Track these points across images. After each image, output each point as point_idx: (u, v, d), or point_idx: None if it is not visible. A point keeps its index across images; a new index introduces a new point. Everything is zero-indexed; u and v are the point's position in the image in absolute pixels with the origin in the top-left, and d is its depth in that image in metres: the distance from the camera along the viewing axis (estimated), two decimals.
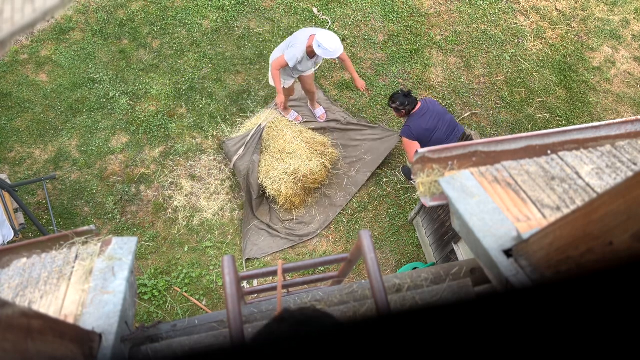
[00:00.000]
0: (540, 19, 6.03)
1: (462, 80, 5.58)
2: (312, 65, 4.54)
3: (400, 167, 5.07)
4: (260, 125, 4.62)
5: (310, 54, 4.27)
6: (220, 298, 4.42)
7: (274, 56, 4.46)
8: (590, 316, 0.77)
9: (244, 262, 4.62)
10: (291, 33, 5.69)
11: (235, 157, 4.67)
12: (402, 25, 5.86)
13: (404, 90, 4.23)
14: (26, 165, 4.90)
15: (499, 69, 5.68)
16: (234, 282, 1.51)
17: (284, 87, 4.61)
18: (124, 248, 1.85)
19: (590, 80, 5.67)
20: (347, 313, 1.85)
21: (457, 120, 5.39)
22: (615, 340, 0.75)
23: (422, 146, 4.08)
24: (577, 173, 1.96)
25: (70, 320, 1.61)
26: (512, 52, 5.76)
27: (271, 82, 4.62)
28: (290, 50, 4.23)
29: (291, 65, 4.25)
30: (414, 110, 4.20)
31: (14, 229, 3.91)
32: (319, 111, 5.20)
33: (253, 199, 4.69)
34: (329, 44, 4.10)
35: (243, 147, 4.62)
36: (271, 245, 4.68)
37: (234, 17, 5.79)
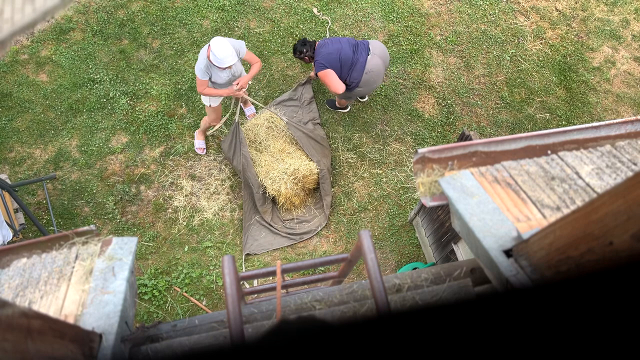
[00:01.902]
0: (540, 19, 6.03)
1: (462, 80, 5.58)
2: (228, 75, 4.25)
3: (325, 100, 5.36)
4: (235, 120, 4.59)
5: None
6: (220, 298, 4.42)
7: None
8: (590, 316, 0.78)
9: (243, 257, 4.62)
10: (291, 33, 5.71)
11: (230, 156, 4.71)
12: (402, 25, 5.86)
13: (300, 40, 4.61)
14: (26, 165, 4.90)
15: (499, 69, 5.68)
16: (234, 282, 1.51)
17: (210, 105, 4.52)
18: (124, 248, 1.85)
19: (590, 80, 5.67)
20: (347, 313, 1.85)
21: (457, 121, 5.40)
22: (616, 340, 0.75)
23: (337, 72, 4.42)
24: (577, 173, 1.96)
25: (71, 320, 1.61)
26: (512, 52, 5.76)
27: (205, 102, 4.55)
28: (196, 65, 4.12)
29: (200, 77, 4.10)
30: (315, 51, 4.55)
31: (13, 229, 3.91)
32: (249, 110, 5.26)
33: (254, 192, 4.66)
34: (218, 52, 3.89)
35: (233, 145, 4.65)
36: (271, 242, 4.67)
37: (234, 17, 5.79)
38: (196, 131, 5.05)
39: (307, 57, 4.61)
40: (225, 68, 4.01)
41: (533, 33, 5.92)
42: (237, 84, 4.26)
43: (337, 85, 4.44)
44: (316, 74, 4.57)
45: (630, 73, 5.76)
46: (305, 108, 5.21)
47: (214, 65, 4.00)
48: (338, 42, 4.47)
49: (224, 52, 3.91)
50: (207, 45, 4.07)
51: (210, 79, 4.20)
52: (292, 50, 4.73)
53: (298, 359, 0.75)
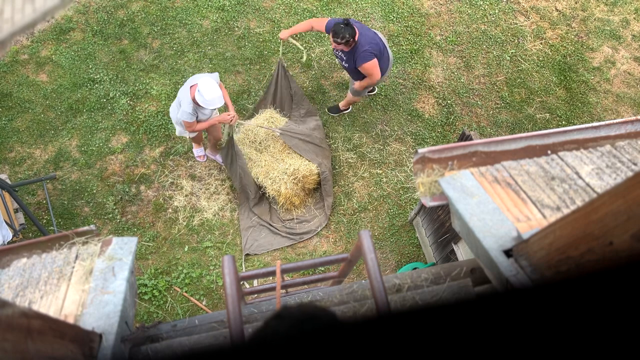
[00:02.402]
0: (540, 19, 6.03)
1: (462, 80, 5.58)
2: (210, 112, 4.24)
3: (327, 108, 5.26)
4: (230, 134, 4.54)
5: (196, 102, 4.01)
6: (220, 298, 4.42)
7: (173, 112, 4.29)
8: (590, 316, 0.77)
9: (243, 257, 4.62)
10: None
11: (227, 165, 4.71)
12: (402, 25, 5.86)
13: (341, 20, 4.00)
14: (26, 165, 4.90)
15: (499, 69, 5.68)
16: (234, 282, 1.51)
17: (193, 136, 4.53)
18: (124, 248, 1.85)
19: (590, 80, 5.67)
20: (347, 313, 1.85)
21: (457, 121, 5.40)
22: (616, 340, 0.75)
23: (379, 61, 4.17)
24: (577, 173, 1.96)
25: (70, 320, 1.61)
26: (512, 52, 5.76)
27: (190, 135, 4.48)
28: (181, 111, 4.02)
29: (190, 120, 4.04)
30: (357, 34, 4.07)
31: (13, 229, 3.91)
32: (219, 158, 4.96)
33: (250, 198, 4.68)
34: (208, 94, 3.84)
35: (229, 157, 4.63)
36: (272, 242, 4.67)
37: (234, 17, 5.79)
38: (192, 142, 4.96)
39: (352, 40, 4.01)
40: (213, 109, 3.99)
41: (533, 33, 5.92)
42: (230, 115, 4.20)
43: (379, 75, 4.22)
44: (357, 66, 4.16)
45: (630, 73, 5.76)
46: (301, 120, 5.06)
47: (201, 106, 3.96)
48: (366, 28, 4.13)
49: (213, 93, 3.85)
50: (188, 86, 3.97)
51: (199, 119, 4.15)
52: (335, 36, 3.96)
53: (299, 345, 0.75)
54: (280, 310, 0.91)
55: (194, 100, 3.96)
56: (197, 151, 5.01)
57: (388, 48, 4.36)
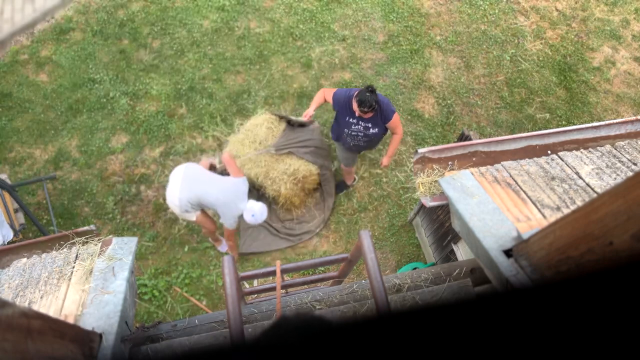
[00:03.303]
0: (540, 19, 6.03)
1: (462, 80, 5.58)
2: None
3: (336, 187, 4.91)
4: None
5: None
6: (220, 298, 4.42)
7: (183, 209, 3.98)
8: (590, 316, 0.77)
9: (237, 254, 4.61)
10: (291, 33, 5.70)
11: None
12: (402, 25, 5.86)
13: (368, 88, 3.70)
14: (26, 165, 4.90)
15: (499, 69, 5.68)
16: (234, 282, 1.51)
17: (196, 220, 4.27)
18: (124, 248, 1.85)
19: (590, 80, 5.67)
20: (347, 313, 1.85)
21: (457, 121, 5.40)
22: (616, 340, 0.75)
23: None
24: (577, 173, 1.96)
25: (71, 320, 1.61)
26: (512, 52, 5.76)
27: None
28: (235, 219, 3.97)
29: (235, 221, 4.02)
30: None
31: (13, 229, 3.91)
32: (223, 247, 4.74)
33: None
34: (260, 217, 3.96)
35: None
36: (270, 243, 4.67)
37: (234, 17, 5.79)
38: (222, 246, 4.70)
39: (376, 106, 3.75)
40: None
41: (533, 33, 5.92)
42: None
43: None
44: (387, 122, 3.93)
45: (630, 73, 5.76)
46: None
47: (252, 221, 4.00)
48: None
49: (264, 214, 3.98)
50: (245, 200, 3.96)
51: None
52: (363, 105, 3.65)
53: (296, 355, 0.75)
54: (278, 320, 0.91)
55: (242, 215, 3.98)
56: (223, 246, 4.75)
57: None
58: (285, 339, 0.83)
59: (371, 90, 3.69)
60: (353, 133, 4.06)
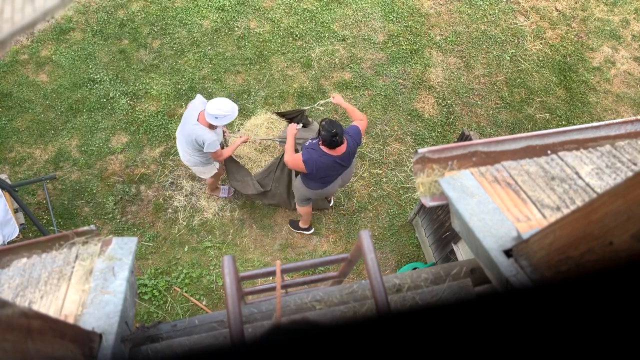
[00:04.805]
0: (540, 19, 6.03)
1: (462, 80, 5.58)
2: (221, 133, 4.12)
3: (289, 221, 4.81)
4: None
5: (212, 127, 3.87)
6: (220, 298, 4.42)
7: (186, 157, 4.13)
8: (590, 316, 0.78)
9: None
10: (291, 33, 5.70)
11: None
12: (402, 25, 5.86)
13: (332, 123, 3.61)
14: (26, 165, 4.90)
15: (499, 69, 5.68)
16: (234, 282, 1.51)
17: (211, 175, 4.39)
18: (124, 248, 1.85)
19: (590, 80, 5.67)
20: (347, 313, 1.85)
21: (457, 121, 5.40)
22: (616, 340, 0.75)
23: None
24: (577, 173, 1.96)
25: (71, 320, 1.61)
26: (512, 52, 5.76)
27: (207, 175, 4.37)
28: (206, 145, 3.84)
29: (217, 148, 3.90)
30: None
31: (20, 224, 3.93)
32: (224, 192, 4.89)
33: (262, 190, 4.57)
34: (225, 107, 3.70)
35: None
36: (245, 185, 4.51)
37: (234, 17, 5.79)
38: (208, 191, 4.86)
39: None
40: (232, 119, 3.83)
41: (533, 33, 5.92)
42: (245, 135, 4.12)
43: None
44: (360, 143, 3.92)
45: (630, 73, 5.76)
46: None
47: (220, 125, 3.82)
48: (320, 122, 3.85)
49: (225, 103, 3.71)
50: (194, 119, 3.81)
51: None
52: (335, 141, 3.61)
53: (286, 353, 0.75)
54: (272, 328, 0.91)
55: (210, 126, 3.82)
56: (223, 190, 4.88)
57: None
58: (278, 340, 0.83)
59: (334, 133, 3.56)
60: (340, 171, 3.95)
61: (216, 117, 3.72)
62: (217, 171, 4.44)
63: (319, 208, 4.83)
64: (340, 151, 3.75)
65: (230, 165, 4.46)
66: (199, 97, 3.99)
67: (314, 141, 3.81)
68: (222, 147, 4.17)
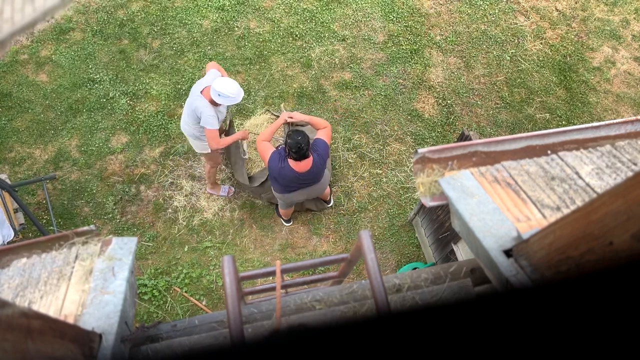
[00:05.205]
0: (540, 19, 6.03)
1: (462, 80, 5.58)
2: (225, 110, 4.13)
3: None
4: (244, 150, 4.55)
5: (214, 103, 3.87)
6: (220, 298, 4.42)
7: (186, 127, 4.13)
8: (590, 316, 0.77)
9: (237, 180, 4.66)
10: (291, 33, 5.70)
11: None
12: (402, 25, 5.86)
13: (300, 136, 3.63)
14: (26, 165, 4.90)
15: (499, 69, 5.68)
16: (233, 282, 1.51)
17: (209, 152, 4.29)
18: (124, 248, 1.85)
19: (590, 80, 5.67)
20: (347, 313, 1.85)
21: (457, 121, 5.40)
22: (616, 340, 0.75)
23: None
24: (577, 173, 1.96)
25: (70, 320, 1.61)
26: (512, 52, 5.76)
27: (207, 150, 4.27)
28: (203, 118, 3.84)
29: (216, 126, 3.88)
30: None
31: (14, 228, 3.91)
32: (224, 191, 4.89)
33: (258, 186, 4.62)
34: (230, 90, 3.71)
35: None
36: (240, 174, 4.61)
37: (234, 17, 5.79)
38: (208, 189, 4.85)
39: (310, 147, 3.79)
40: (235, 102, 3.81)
41: (533, 33, 5.92)
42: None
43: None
44: (326, 155, 3.94)
45: (630, 73, 5.76)
46: None
47: (223, 105, 3.82)
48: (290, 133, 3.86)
49: (232, 86, 3.71)
50: (198, 92, 3.81)
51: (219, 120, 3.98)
52: (295, 156, 3.66)
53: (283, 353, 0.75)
54: (270, 334, 0.91)
55: (212, 102, 3.82)
56: (223, 189, 4.86)
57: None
58: (278, 341, 0.83)
59: (299, 146, 3.55)
60: (302, 185, 3.95)
61: (219, 95, 3.74)
62: (210, 152, 4.31)
63: (319, 209, 4.85)
64: (304, 167, 3.74)
65: (231, 146, 4.56)
66: (213, 71, 3.99)
67: (282, 148, 3.82)
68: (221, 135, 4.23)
